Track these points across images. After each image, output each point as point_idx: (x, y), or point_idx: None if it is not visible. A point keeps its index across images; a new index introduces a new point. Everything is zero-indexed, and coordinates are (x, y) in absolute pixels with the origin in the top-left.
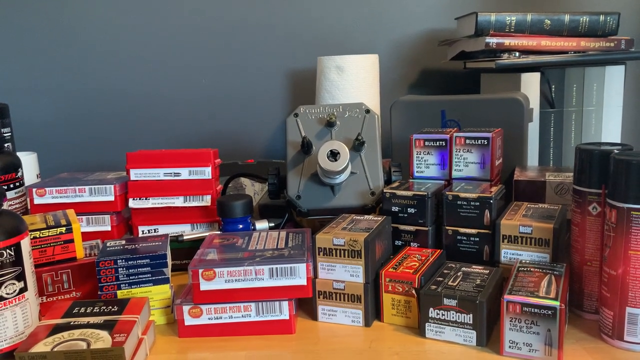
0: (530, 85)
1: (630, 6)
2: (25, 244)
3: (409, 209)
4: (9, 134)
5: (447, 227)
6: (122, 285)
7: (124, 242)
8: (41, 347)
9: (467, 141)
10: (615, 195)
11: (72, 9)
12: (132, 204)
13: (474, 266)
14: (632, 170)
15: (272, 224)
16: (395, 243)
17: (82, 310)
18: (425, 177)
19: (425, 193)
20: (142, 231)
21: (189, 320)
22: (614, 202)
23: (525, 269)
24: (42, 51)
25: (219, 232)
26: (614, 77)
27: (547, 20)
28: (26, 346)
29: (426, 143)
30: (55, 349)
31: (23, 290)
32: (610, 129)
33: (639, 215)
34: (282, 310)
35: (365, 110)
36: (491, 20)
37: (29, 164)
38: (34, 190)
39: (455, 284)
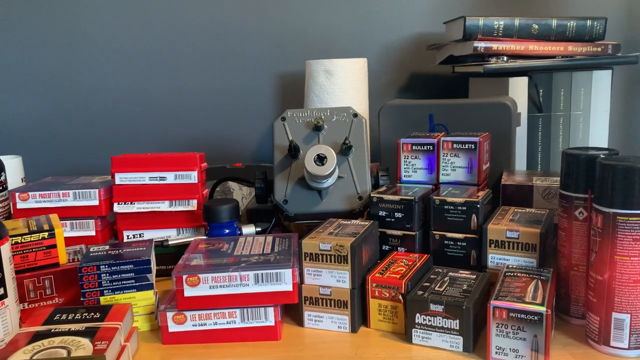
0: (518, 89)
1: (617, 11)
2: (6, 249)
3: (396, 214)
4: None
5: (435, 232)
6: (105, 292)
7: (107, 247)
8: (20, 355)
9: (455, 145)
10: (601, 200)
11: (58, 10)
12: (117, 208)
13: (461, 271)
14: (618, 175)
15: (259, 229)
16: (383, 248)
17: (64, 317)
18: (413, 182)
19: (413, 197)
20: (127, 236)
21: (173, 327)
22: (600, 207)
23: (512, 274)
24: (26, 53)
25: (205, 237)
26: (601, 81)
27: (534, 25)
28: (5, 354)
29: (414, 147)
30: (34, 357)
31: (3, 297)
32: (597, 134)
33: (624, 220)
34: (268, 317)
35: (353, 114)
36: (479, 25)
37: (14, 168)
38: (17, 194)
39: (442, 290)
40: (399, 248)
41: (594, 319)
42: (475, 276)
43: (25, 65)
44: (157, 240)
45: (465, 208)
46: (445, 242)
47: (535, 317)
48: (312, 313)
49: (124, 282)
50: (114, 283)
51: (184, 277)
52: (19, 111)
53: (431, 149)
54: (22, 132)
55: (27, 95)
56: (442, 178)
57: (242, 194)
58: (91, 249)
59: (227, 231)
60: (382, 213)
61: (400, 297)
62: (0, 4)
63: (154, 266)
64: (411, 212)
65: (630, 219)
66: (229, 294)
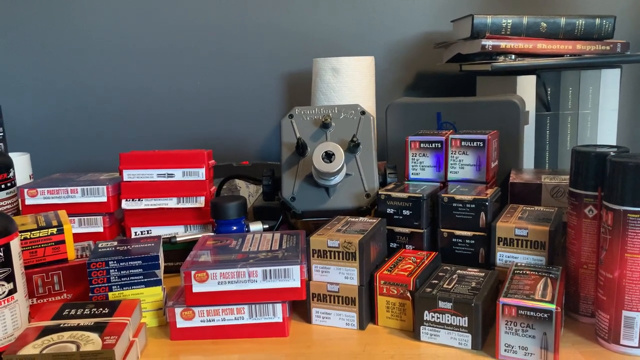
0: (526, 87)
1: (626, 10)
2: (15, 244)
3: (404, 211)
4: (1, 134)
5: (443, 230)
6: (113, 287)
7: (115, 243)
8: (30, 349)
9: (463, 143)
10: (611, 198)
11: (65, 8)
12: (125, 205)
13: (469, 269)
14: (629, 173)
15: (267, 226)
16: (390, 245)
17: (72, 312)
18: (421, 179)
19: (421, 195)
20: (135, 232)
21: (181, 323)
22: (610, 204)
23: (521, 271)
24: (34, 51)
25: (213, 234)
26: (610, 80)
27: (543, 23)
28: (14, 348)
29: (422, 145)
30: (44, 352)
31: (12, 291)
32: (605, 132)
33: (635, 217)
34: (276, 313)
35: (361, 112)
36: (487, 23)
37: (22, 165)
38: (26, 190)
39: (450, 287)
40: (407, 245)
41: (604, 317)
42: (483, 274)
43: (33, 63)
44: (165, 236)
45: (473, 206)
46: (454, 239)
47: (545, 315)
48: (320, 310)
49: (133, 277)
50: (122, 279)
51: (193, 273)
52: (27, 109)
53: (439, 146)
54: (30, 130)
55: (35, 93)
56: (450, 176)
57: (248, 191)
58: (100, 245)
59: (234, 228)
60: (390, 210)
61: (408, 294)
62: (7, 5)
63: (162, 262)
64: (419, 210)
65: None
66: (237, 290)
